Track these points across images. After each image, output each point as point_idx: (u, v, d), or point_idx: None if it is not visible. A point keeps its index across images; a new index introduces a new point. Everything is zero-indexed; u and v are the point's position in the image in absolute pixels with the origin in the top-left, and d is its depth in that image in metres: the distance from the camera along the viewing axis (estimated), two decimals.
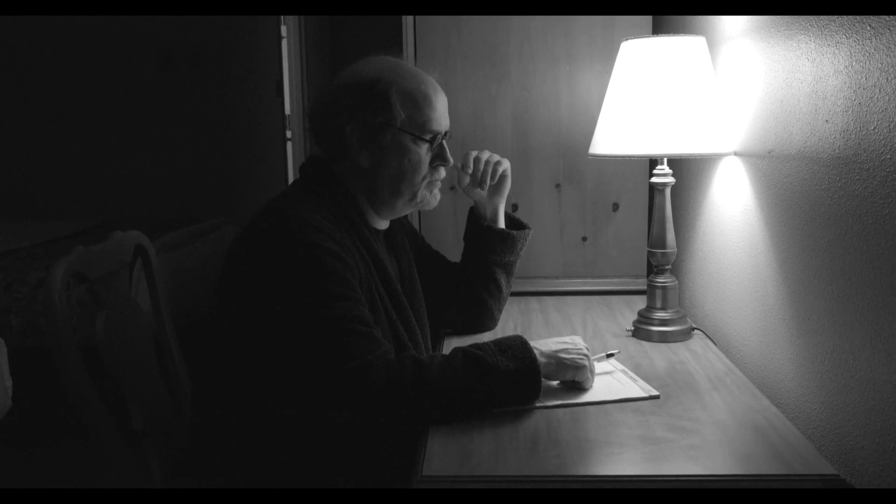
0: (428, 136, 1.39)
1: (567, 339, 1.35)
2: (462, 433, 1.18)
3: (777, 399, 1.39)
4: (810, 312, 1.27)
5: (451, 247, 2.22)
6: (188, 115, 4.29)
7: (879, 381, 1.05)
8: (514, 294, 2.13)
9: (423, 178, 1.41)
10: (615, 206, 2.20)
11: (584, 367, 1.31)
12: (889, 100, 1.00)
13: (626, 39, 1.66)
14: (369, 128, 1.36)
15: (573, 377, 1.31)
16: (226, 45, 4.25)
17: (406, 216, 1.60)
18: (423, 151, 1.39)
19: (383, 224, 1.48)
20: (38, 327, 2.68)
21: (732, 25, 1.63)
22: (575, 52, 2.13)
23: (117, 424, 1.31)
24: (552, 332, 1.75)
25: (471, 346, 1.26)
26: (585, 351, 1.33)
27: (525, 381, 1.24)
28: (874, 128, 1.04)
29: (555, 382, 1.34)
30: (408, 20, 2.15)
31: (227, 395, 1.26)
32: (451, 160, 1.44)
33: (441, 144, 1.42)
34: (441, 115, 1.41)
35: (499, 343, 1.26)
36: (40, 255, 2.97)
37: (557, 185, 2.19)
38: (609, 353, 1.45)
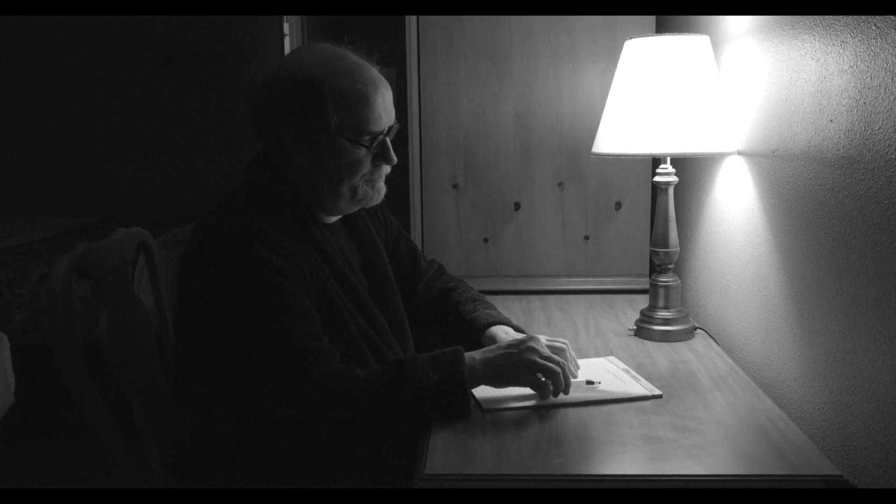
0: (366, 139, 1.31)
1: (522, 342, 1.29)
2: (464, 432, 1.18)
3: (780, 399, 1.39)
4: (813, 312, 1.27)
5: (453, 246, 2.22)
6: (190, 111, 4.28)
7: (883, 382, 1.04)
8: (515, 292, 2.14)
9: (363, 177, 1.35)
10: (618, 205, 2.19)
11: (521, 376, 1.26)
12: (894, 100, 1.00)
13: (630, 38, 1.66)
14: (304, 130, 1.30)
15: (517, 384, 1.28)
16: (227, 43, 4.25)
17: (380, 205, 1.59)
18: (362, 153, 1.32)
19: (333, 217, 1.44)
20: (40, 324, 2.68)
21: (736, 24, 1.63)
22: (578, 51, 2.13)
23: (118, 422, 1.30)
24: (554, 331, 1.75)
25: (405, 357, 1.27)
26: (539, 357, 1.26)
27: (449, 394, 1.22)
28: (879, 128, 1.04)
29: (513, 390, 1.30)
30: (411, 19, 2.14)
31: (224, 395, 1.26)
32: (395, 159, 1.36)
33: (383, 143, 1.34)
34: (380, 114, 1.32)
35: (433, 355, 1.26)
36: (42, 251, 2.97)
37: (560, 184, 2.19)
38: (589, 380, 1.38)
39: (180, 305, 1.31)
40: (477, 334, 1.53)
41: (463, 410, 1.23)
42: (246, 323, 1.22)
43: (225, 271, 1.24)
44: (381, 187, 1.39)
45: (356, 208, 1.42)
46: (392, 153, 1.35)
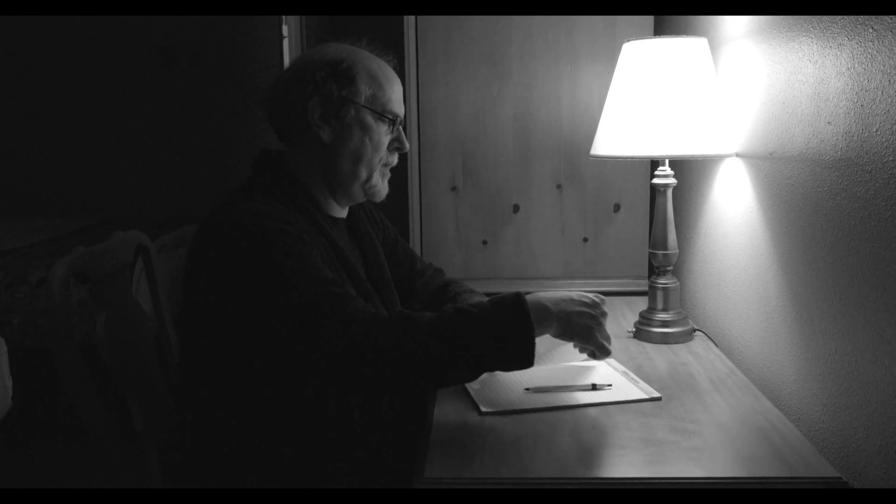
0: (389, 116, 1.38)
1: (584, 298, 1.30)
2: (463, 434, 1.18)
3: (779, 401, 1.39)
4: (812, 314, 1.27)
5: (451, 248, 2.23)
6: (189, 112, 4.28)
7: (882, 383, 1.04)
8: None
9: (380, 160, 1.40)
10: (616, 207, 2.19)
11: (592, 336, 1.28)
12: (891, 102, 1.00)
13: (628, 40, 1.66)
14: (332, 102, 1.34)
15: (582, 342, 1.28)
16: (227, 43, 4.25)
17: (376, 209, 1.60)
18: (384, 132, 1.38)
19: (341, 212, 1.45)
20: (38, 327, 2.68)
21: (734, 26, 1.63)
22: (576, 52, 2.13)
23: (117, 425, 1.30)
24: None
25: (467, 304, 1.24)
26: (595, 314, 1.29)
27: (516, 338, 1.18)
28: (876, 130, 1.04)
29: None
30: (409, 19, 2.15)
31: (226, 395, 1.26)
32: (408, 145, 1.44)
33: (399, 129, 1.42)
34: (399, 99, 1.41)
35: (494, 300, 1.23)
36: (41, 253, 2.96)
37: (559, 186, 2.19)
38: (595, 384, 1.36)
39: (186, 302, 1.29)
40: None
41: (528, 356, 1.19)
42: (274, 291, 1.18)
43: (240, 248, 1.20)
44: (387, 185, 1.44)
45: (363, 199, 1.43)
46: (405, 140, 1.43)
